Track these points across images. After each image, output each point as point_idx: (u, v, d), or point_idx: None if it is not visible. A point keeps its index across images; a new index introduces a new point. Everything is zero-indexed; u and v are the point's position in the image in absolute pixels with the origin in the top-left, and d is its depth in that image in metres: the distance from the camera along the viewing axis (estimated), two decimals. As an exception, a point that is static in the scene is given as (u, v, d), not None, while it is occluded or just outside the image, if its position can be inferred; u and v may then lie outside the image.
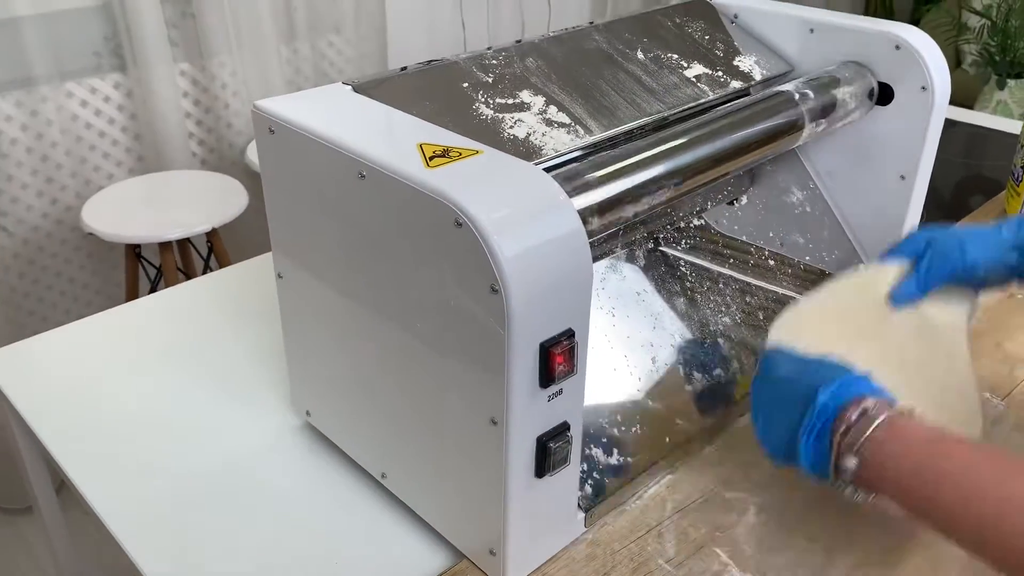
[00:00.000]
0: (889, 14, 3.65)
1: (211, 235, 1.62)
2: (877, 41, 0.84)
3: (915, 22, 3.63)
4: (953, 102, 1.90)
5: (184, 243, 1.69)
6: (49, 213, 1.73)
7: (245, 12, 1.86)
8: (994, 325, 0.92)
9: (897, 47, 0.83)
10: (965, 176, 1.32)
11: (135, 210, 1.60)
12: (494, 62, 0.76)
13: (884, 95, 0.85)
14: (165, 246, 1.56)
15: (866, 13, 3.82)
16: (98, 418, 0.82)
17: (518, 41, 0.81)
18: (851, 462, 0.55)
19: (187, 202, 1.64)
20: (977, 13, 2.87)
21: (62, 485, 0.83)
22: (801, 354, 0.62)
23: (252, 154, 1.81)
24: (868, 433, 0.54)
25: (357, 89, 0.69)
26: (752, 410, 0.64)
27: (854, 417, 0.55)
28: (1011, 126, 1.49)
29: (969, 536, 0.51)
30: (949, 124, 1.39)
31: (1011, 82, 2.74)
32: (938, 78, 0.82)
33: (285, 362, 0.78)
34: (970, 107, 2.75)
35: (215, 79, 1.87)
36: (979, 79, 2.84)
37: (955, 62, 3.15)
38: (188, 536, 0.69)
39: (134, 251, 1.64)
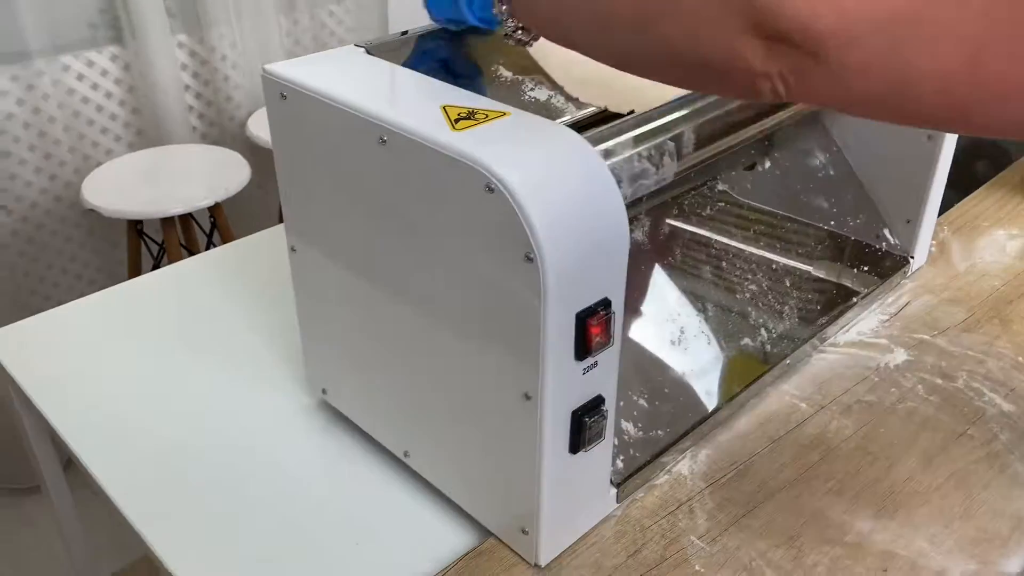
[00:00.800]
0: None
1: (214, 210, 1.59)
2: None
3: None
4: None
5: (186, 218, 1.66)
6: (48, 189, 1.69)
7: (243, -19, 1.81)
8: (1023, 291, 0.90)
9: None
10: (971, 143, 1.29)
11: (136, 185, 1.57)
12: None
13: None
14: (167, 222, 1.53)
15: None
16: (105, 396, 0.79)
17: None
18: (503, 8, 0.54)
19: (189, 176, 1.61)
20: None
21: (69, 464, 0.81)
22: None
23: (254, 127, 1.78)
24: None
25: (371, 51, 0.66)
26: None
27: None
28: None
29: (589, 40, 0.49)
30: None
31: None
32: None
33: (297, 339, 0.76)
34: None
35: (214, 51, 1.83)
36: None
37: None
38: (202, 517, 0.67)
39: (136, 227, 1.61)
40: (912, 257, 0.91)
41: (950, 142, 0.85)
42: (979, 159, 1.23)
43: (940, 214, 0.99)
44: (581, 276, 0.51)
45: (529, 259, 0.49)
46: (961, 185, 1.11)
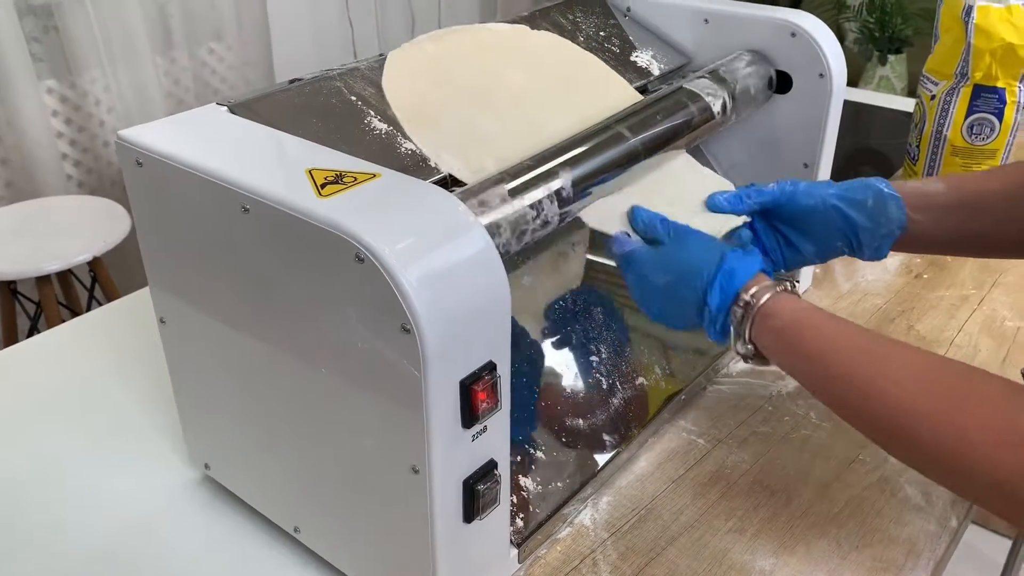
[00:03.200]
0: (771, -5, 3.73)
1: (94, 264, 1.51)
2: (773, 29, 0.83)
3: (796, 3, 3.73)
4: (839, 80, 1.92)
5: (65, 275, 1.57)
6: (-92, 252, 1.58)
7: (114, 22, 1.74)
8: (905, 308, 0.93)
9: (793, 35, 0.82)
10: (856, 152, 1.34)
11: (7, 243, 1.48)
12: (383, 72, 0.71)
13: (783, 83, 0.84)
14: (44, 280, 1.45)
15: (749, -5, 3.89)
16: (-30, 490, 0.73)
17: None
18: (747, 347, 0.61)
19: (65, 230, 1.53)
20: (853, -9, 2.96)
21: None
22: (670, 251, 0.66)
23: (133, 174, 1.70)
24: (753, 322, 0.60)
25: (234, 110, 0.63)
26: (632, 293, 0.68)
27: (745, 302, 0.61)
28: (895, 102, 1.53)
29: (829, 392, 0.58)
30: (855, 107, 1.42)
31: (892, 57, 2.84)
32: (835, 64, 0.81)
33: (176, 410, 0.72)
34: (855, 84, 2.83)
35: (87, 95, 1.75)
36: (861, 56, 2.93)
37: (839, 40, 3.24)
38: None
39: (9, 287, 1.51)
40: (797, 281, 0.93)
41: (824, 170, 0.87)
42: (867, 172, 1.27)
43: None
44: (462, 342, 0.49)
45: (406, 330, 0.47)
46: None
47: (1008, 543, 1.49)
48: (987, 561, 1.59)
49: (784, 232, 0.73)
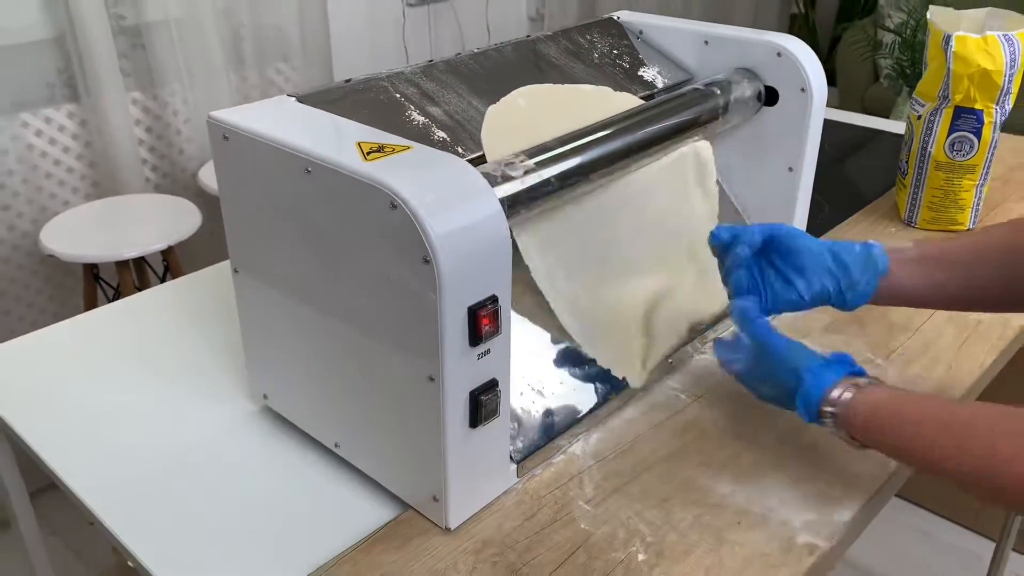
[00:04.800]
0: (812, 33, 3.85)
1: (167, 253, 1.68)
2: (762, 50, 0.96)
3: (835, 40, 3.84)
4: (873, 113, 2.04)
5: (140, 262, 1.75)
6: (5, 239, 1.78)
7: (194, 42, 1.94)
8: (881, 299, 1.04)
9: (779, 54, 0.95)
10: (887, 178, 1.43)
11: (92, 232, 1.67)
12: (425, 77, 0.86)
13: (770, 97, 0.97)
14: (122, 265, 1.62)
15: (790, 31, 4.02)
16: (75, 415, 0.88)
17: (456, 55, 0.91)
18: (841, 434, 0.72)
19: (142, 223, 1.71)
20: (889, 31, 3.06)
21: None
22: (756, 368, 0.77)
23: (204, 176, 1.89)
24: (842, 417, 0.70)
25: (301, 100, 0.78)
26: (742, 380, 0.80)
27: (828, 412, 0.71)
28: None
29: (924, 465, 0.68)
30: (872, 133, 1.53)
31: (922, 93, 2.92)
32: (815, 80, 0.94)
33: (240, 357, 0.86)
34: (887, 116, 2.92)
35: (167, 106, 1.94)
36: (892, 91, 3.02)
37: (873, 76, 3.34)
38: (163, 511, 0.76)
39: (92, 271, 1.70)
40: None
41: (807, 174, 0.99)
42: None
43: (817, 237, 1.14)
44: (470, 275, 0.63)
45: (426, 261, 0.61)
46: (842, 206, 1.26)
47: (992, 545, 1.56)
48: (974, 560, 1.66)
49: (779, 267, 0.80)
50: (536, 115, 0.82)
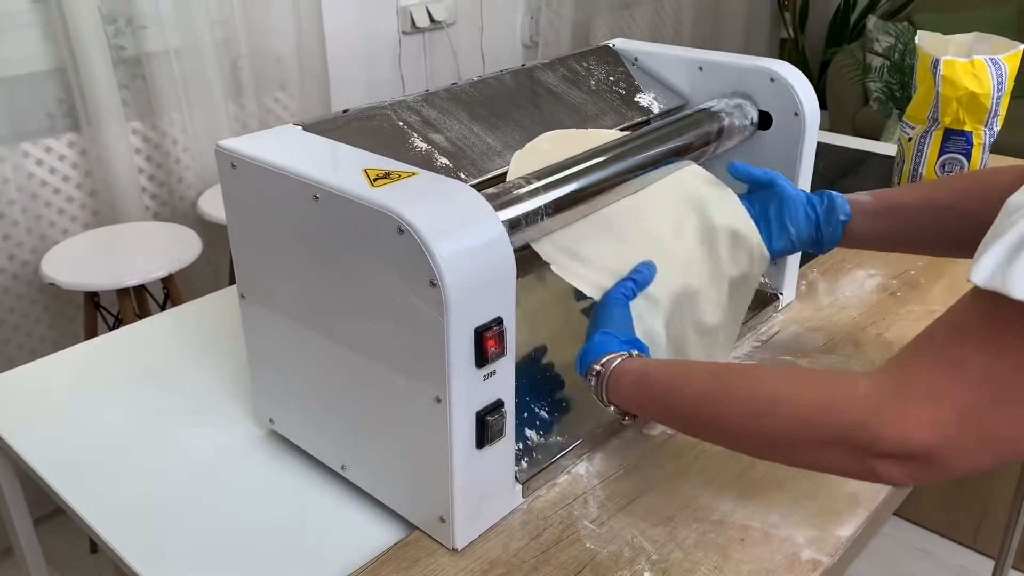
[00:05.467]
0: (802, 57, 3.91)
1: (167, 281, 1.69)
2: (755, 75, 0.98)
3: (825, 64, 3.89)
4: (864, 135, 2.08)
5: (141, 290, 1.75)
6: (6, 268, 1.78)
7: (193, 72, 1.96)
8: (876, 319, 1.05)
9: (772, 80, 0.97)
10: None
11: (92, 260, 1.68)
12: (426, 105, 0.88)
13: (764, 121, 0.99)
14: (123, 293, 1.63)
15: (780, 56, 4.07)
16: (79, 441, 0.89)
17: (452, 84, 0.93)
18: (608, 408, 0.75)
19: (142, 251, 1.72)
20: (878, 54, 3.11)
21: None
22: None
23: (204, 204, 1.90)
24: (604, 384, 0.74)
25: (307, 128, 0.80)
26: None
27: (592, 379, 0.75)
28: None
29: (676, 422, 0.73)
30: (864, 155, 1.56)
31: (912, 115, 2.96)
32: (807, 104, 0.96)
33: (245, 382, 0.87)
34: (877, 138, 2.96)
35: (166, 135, 1.96)
36: (882, 114, 3.06)
37: (863, 100, 3.38)
38: (170, 535, 0.77)
39: (92, 300, 1.71)
40: (781, 294, 1.06)
41: (802, 194, 1.01)
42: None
43: (812, 260, 1.16)
44: (476, 298, 0.64)
45: (433, 284, 0.62)
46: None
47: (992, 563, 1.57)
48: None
49: (772, 216, 0.93)
50: (560, 158, 0.83)
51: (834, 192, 0.91)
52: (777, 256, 0.94)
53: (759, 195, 0.94)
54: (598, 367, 0.74)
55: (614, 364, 0.73)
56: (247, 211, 0.77)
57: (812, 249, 0.93)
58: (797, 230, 0.91)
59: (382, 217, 0.63)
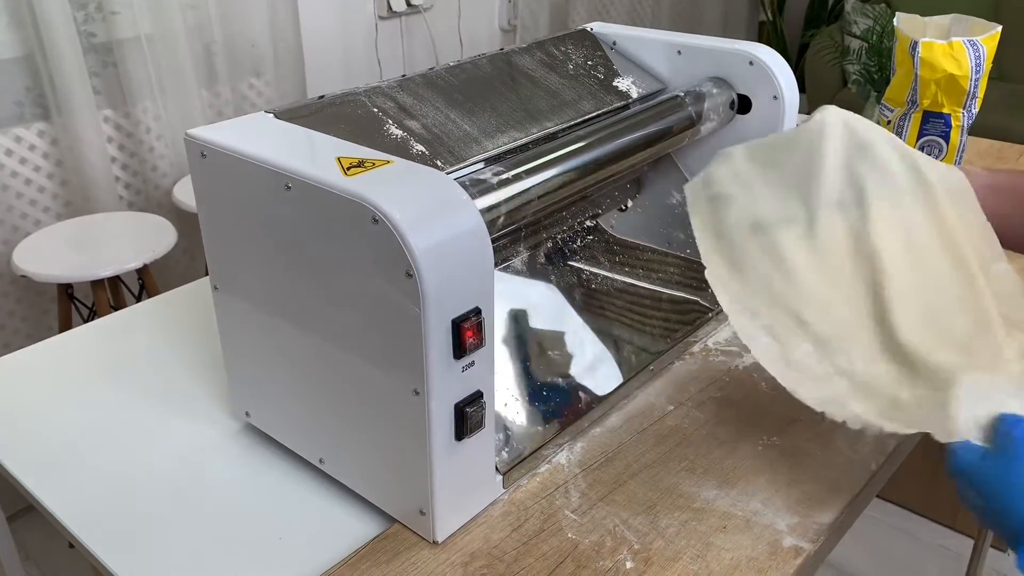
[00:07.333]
0: (781, 40, 3.90)
1: (142, 272, 1.67)
2: (734, 59, 0.97)
3: (803, 47, 3.89)
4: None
5: (116, 281, 1.73)
6: (-23, 261, 1.75)
7: (166, 59, 1.93)
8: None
9: (751, 63, 0.96)
10: None
11: (65, 251, 1.65)
12: (401, 90, 0.86)
13: (743, 105, 0.98)
14: (97, 284, 1.61)
15: (759, 39, 4.07)
16: (51, 436, 0.87)
17: (429, 70, 0.91)
18: None
19: (117, 241, 1.69)
20: (856, 37, 3.11)
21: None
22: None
23: (179, 193, 1.87)
24: None
25: (278, 116, 0.78)
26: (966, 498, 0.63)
27: None
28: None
29: None
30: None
31: (890, 97, 2.97)
32: (787, 88, 0.95)
33: (220, 375, 0.85)
34: (855, 122, 2.96)
35: (139, 124, 1.93)
36: (861, 96, 3.07)
37: (842, 82, 3.39)
38: (145, 530, 0.75)
39: (66, 291, 1.68)
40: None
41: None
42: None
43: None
44: (453, 288, 0.63)
45: (409, 275, 0.61)
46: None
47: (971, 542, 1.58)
48: (954, 557, 1.68)
49: None
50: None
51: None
52: None
53: None
54: None
55: None
56: (218, 201, 0.75)
57: None
58: None
59: (356, 207, 0.62)
